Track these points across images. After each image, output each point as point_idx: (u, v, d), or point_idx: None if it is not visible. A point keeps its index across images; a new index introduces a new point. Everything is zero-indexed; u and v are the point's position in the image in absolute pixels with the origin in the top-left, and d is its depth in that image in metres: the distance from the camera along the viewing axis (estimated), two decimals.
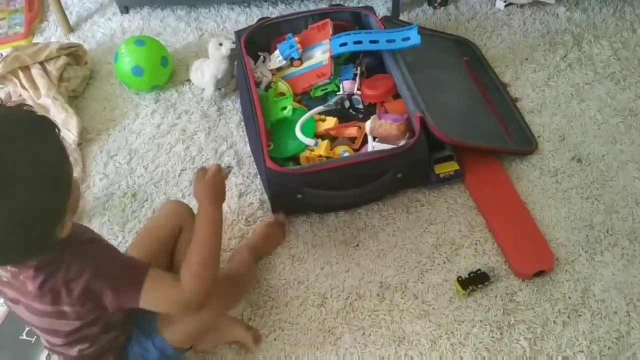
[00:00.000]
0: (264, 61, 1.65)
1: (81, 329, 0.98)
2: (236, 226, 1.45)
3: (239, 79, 1.66)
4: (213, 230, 1.04)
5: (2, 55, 1.75)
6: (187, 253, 1.02)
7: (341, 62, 1.62)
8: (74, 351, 1.02)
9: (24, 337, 1.29)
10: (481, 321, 1.26)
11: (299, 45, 1.57)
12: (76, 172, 1.55)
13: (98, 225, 1.47)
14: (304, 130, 1.44)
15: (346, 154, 1.41)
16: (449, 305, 1.29)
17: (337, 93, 1.54)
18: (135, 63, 1.68)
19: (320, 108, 1.51)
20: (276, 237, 1.40)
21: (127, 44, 1.71)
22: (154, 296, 0.97)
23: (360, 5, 1.95)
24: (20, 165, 0.79)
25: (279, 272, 1.36)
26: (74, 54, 1.79)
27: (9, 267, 0.91)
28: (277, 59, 1.60)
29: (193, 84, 1.78)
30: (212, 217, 1.05)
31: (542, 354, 1.21)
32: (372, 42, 1.53)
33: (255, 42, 1.65)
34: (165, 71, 1.76)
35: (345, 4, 1.96)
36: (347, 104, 1.52)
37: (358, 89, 1.52)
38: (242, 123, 1.66)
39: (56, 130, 0.87)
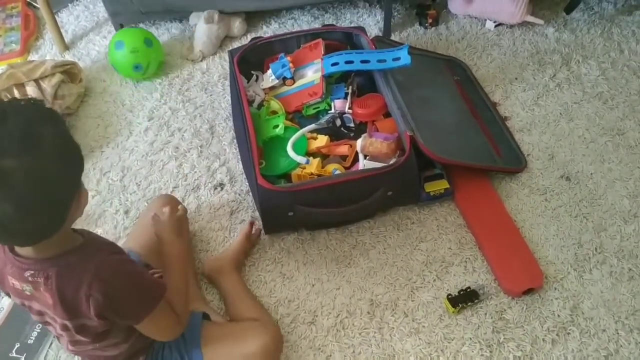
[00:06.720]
0: (256, 80, 1.67)
1: (106, 336, 0.99)
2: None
3: (231, 97, 1.68)
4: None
5: None
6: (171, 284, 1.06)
7: (333, 82, 1.64)
8: (101, 353, 1.04)
9: (14, 354, 1.29)
10: (471, 339, 1.26)
11: (291, 65, 1.59)
12: None
13: None
14: (295, 148, 1.45)
15: (337, 172, 1.42)
16: (439, 323, 1.29)
17: (329, 112, 1.56)
18: (118, 38, 1.81)
19: (312, 126, 1.52)
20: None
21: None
22: (154, 326, 1.00)
23: (352, 25, 1.98)
24: (55, 139, 0.83)
25: (270, 289, 1.37)
26: (69, 72, 1.80)
27: (29, 278, 0.90)
28: (269, 77, 1.62)
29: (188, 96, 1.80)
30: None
31: None
32: (363, 61, 1.55)
33: (249, 61, 1.67)
34: (149, 52, 1.82)
35: (337, 24, 2.00)
36: (338, 122, 1.54)
37: (349, 108, 1.53)
38: (235, 141, 1.67)
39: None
